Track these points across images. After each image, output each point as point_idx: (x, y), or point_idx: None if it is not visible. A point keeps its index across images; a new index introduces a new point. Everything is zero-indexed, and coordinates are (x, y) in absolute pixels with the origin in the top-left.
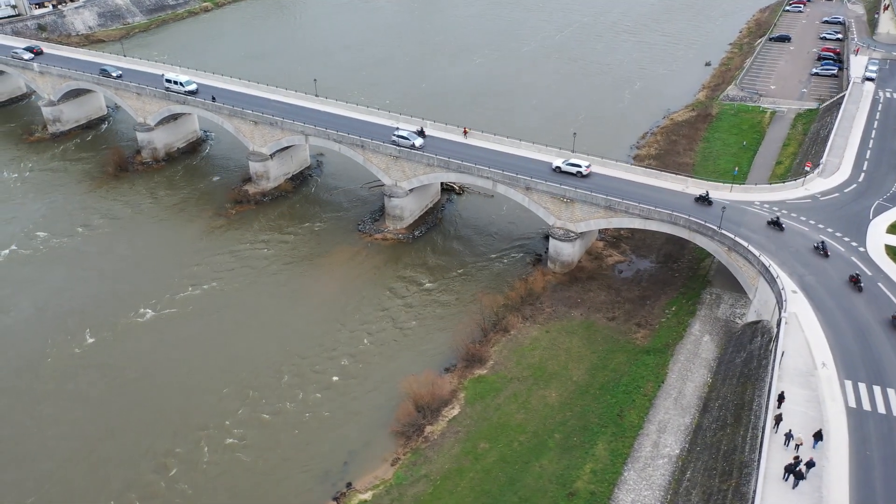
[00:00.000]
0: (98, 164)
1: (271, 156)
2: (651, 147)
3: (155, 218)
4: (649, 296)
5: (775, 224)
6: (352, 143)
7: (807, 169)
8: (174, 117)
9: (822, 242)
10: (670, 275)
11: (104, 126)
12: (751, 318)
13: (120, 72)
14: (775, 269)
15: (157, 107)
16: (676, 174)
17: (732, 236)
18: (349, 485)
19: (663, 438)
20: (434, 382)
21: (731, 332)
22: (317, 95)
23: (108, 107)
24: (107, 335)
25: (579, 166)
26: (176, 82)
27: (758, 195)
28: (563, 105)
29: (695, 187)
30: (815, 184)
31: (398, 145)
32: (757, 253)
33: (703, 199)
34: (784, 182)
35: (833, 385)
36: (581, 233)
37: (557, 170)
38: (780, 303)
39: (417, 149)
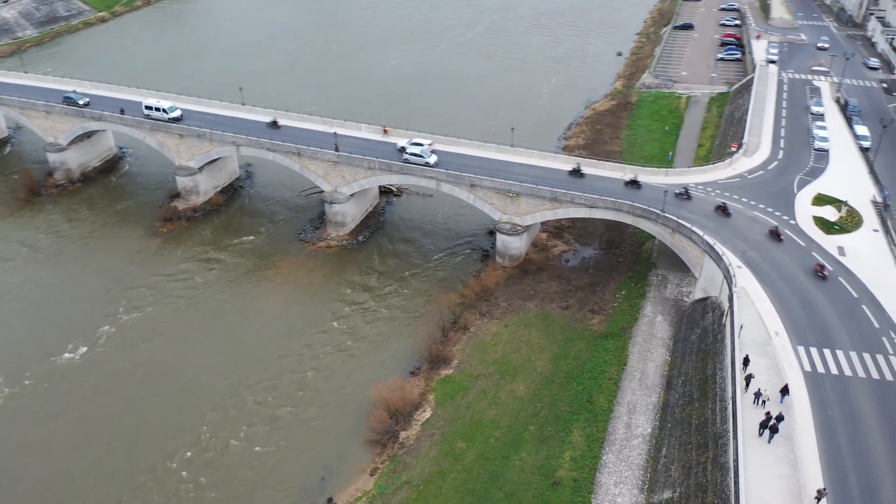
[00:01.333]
0: (6, 190)
1: (200, 169)
2: (578, 137)
3: (79, 243)
4: (598, 282)
5: (633, 183)
6: (287, 150)
7: (732, 150)
8: (87, 135)
9: (685, 189)
10: (615, 260)
11: (7, 149)
12: (698, 295)
13: (87, 99)
14: (720, 247)
15: (70, 125)
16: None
17: (675, 218)
18: (330, 500)
19: (634, 419)
20: (403, 387)
21: (681, 310)
22: (243, 104)
23: (8, 128)
24: (38, 375)
25: (422, 145)
26: (158, 109)
27: (692, 177)
28: (485, 101)
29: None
30: (741, 163)
31: (409, 163)
32: (701, 233)
33: (576, 172)
34: (714, 164)
35: (788, 352)
36: (527, 226)
37: (402, 150)
38: (728, 278)
39: (432, 166)
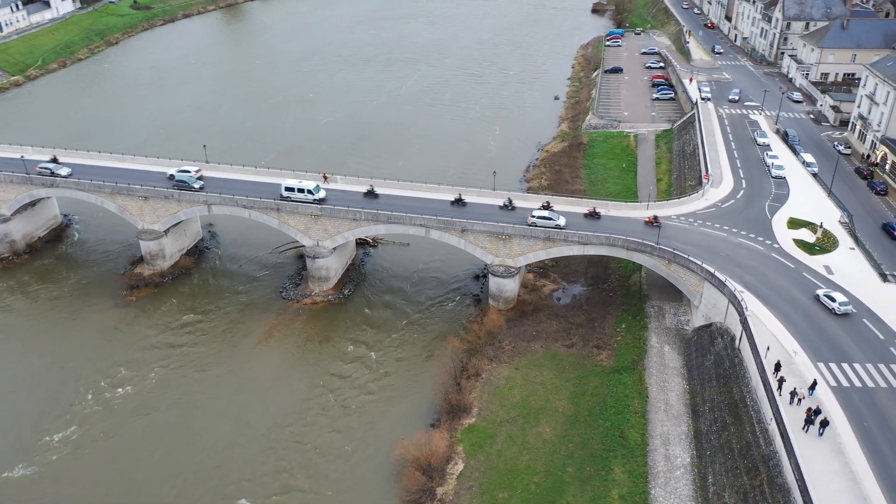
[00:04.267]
0: None
1: (165, 232)
2: (540, 178)
3: (39, 320)
4: (596, 318)
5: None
6: (265, 207)
7: (705, 181)
8: (31, 204)
9: (509, 199)
10: (606, 295)
11: None
12: (699, 322)
13: (202, 183)
14: (721, 274)
15: (14, 193)
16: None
17: (672, 249)
18: None
19: (671, 450)
20: (429, 441)
21: (685, 338)
22: (207, 161)
23: None
24: (15, 468)
25: (188, 172)
26: (302, 190)
27: (672, 209)
28: (435, 150)
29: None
30: (711, 194)
31: (538, 226)
32: (699, 262)
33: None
34: (689, 196)
35: (811, 369)
36: (520, 267)
37: (172, 178)
38: (735, 304)
39: (563, 228)
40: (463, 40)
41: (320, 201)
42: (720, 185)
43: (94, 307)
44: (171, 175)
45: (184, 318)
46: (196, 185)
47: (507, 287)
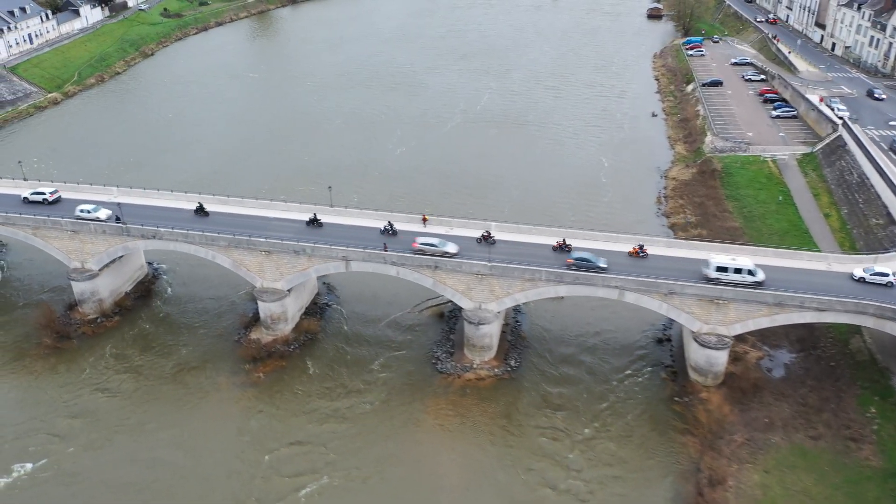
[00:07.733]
0: (21, 335)
1: (288, 291)
2: (682, 213)
3: (155, 405)
4: (829, 397)
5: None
6: (419, 265)
7: None
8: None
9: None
10: (825, 365)
11: None
12: None
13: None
14: None
15: (105, 245)
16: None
17: None
18: None
19: None
20: None
21: None
22: (332, 206)
23: None
24: None
25: (44, 194)
26: (739, 270)
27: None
28: (542, 185)
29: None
30: None
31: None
32: None
33: (314, 222)
34: None
35: None
36: (734, 336)
37: (26, 200)
38: None
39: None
40: (524, 49)
41: (759, 284)
42: None
43: (215, 387)
44: (25, 197)
45: (331, 403)
46: (601, 264)
47: (719, 360)
